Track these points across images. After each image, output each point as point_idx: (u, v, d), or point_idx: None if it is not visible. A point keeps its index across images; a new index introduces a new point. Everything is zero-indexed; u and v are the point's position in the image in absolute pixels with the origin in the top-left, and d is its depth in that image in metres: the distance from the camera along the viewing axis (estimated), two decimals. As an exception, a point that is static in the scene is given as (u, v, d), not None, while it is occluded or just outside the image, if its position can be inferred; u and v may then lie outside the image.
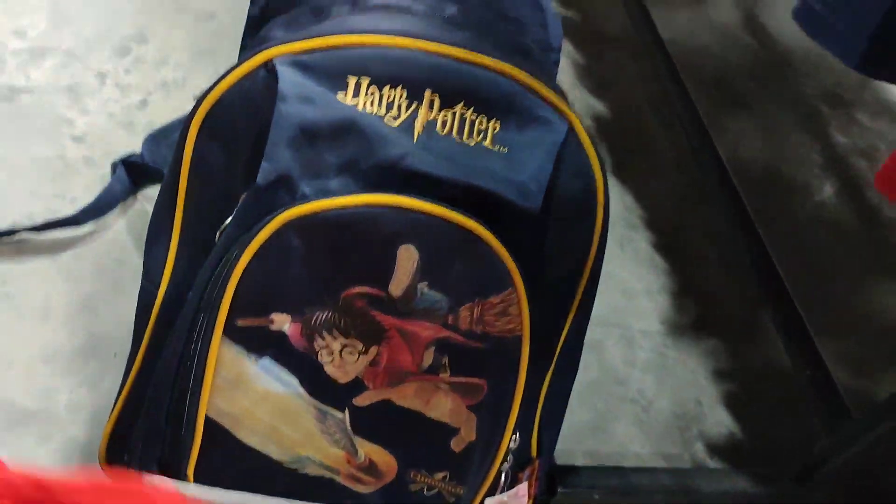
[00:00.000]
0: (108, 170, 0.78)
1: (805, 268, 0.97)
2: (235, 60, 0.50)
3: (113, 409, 0.56)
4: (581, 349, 0.60)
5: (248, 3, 0.61)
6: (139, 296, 0.55)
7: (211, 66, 0.93)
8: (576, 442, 0.75)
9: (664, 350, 0.86)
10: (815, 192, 1.11)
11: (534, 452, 0.60)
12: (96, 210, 0.74)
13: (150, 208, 0.76)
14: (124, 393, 0.55)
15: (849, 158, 1.20)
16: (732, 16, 1.36)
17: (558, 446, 0.64)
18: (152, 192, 0.79)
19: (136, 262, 0.72)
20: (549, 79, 0.53)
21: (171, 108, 0.87)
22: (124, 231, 0.75)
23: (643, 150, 1.09)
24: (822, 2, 0.51)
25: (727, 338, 0.90)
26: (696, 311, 0.91)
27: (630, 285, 0.91)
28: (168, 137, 0.79)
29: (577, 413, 0.77)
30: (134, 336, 0.55)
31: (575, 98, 1.12)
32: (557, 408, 0.60)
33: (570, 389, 0.61)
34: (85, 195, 0.75)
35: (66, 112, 0.82)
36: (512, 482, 0.57)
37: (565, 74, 1.15)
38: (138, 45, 0.92)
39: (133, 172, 0.77)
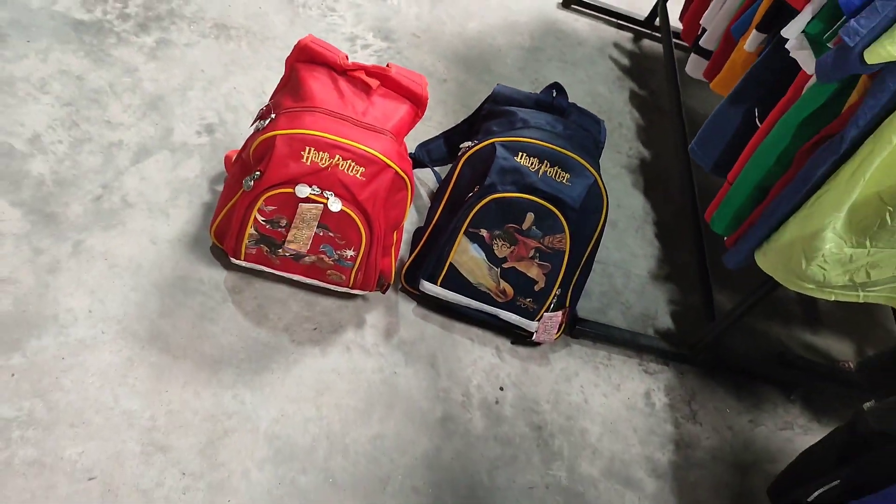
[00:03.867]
0: (396, 158, 1.71)
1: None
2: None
3: (410, 254, 1.49)
4: (592, 266, 1.49)
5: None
6: (427, 214, 1.48)
7: (442, 110, 1.84)
8: (589, 316, 1.64)
9: (644, 284, 1.74)
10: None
11: (567, 304, 1.50)
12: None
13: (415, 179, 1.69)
14: (419, 246, 1.48)
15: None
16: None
17: (581, 315, 1.53)
18: (418, 172, 1.71)
19: (419, 200, 1.65)
20: (594, 161, 1.42)
21: (423, 131, 1.79)
22: (404, 188, 1.68)
23: (663, 181, 1.95)
24: (698, 148, 1.38)
25: (680, 284, 1.76)
26: (668, 269, 1.78)
27: (635, 251, 1.79)
28: (427, 146, 1.71)
29: (593, 302, 1.66)
30: (423, 230, 1.48)
31: (632, 147, 1.99)
32: (580, 286, 1.50)
33: (586, 279, 1.51)
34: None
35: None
36: (555, 310, 1.48)
37: (631, 132, 2.02)
38: (409, 94, 1.85)
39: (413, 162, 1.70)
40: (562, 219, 1.37)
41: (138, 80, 1.63)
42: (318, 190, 1.24)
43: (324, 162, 1.23)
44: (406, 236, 1.58)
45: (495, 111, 1.50)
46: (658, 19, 2.19)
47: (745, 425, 1.59)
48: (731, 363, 1.65)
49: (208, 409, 1.29)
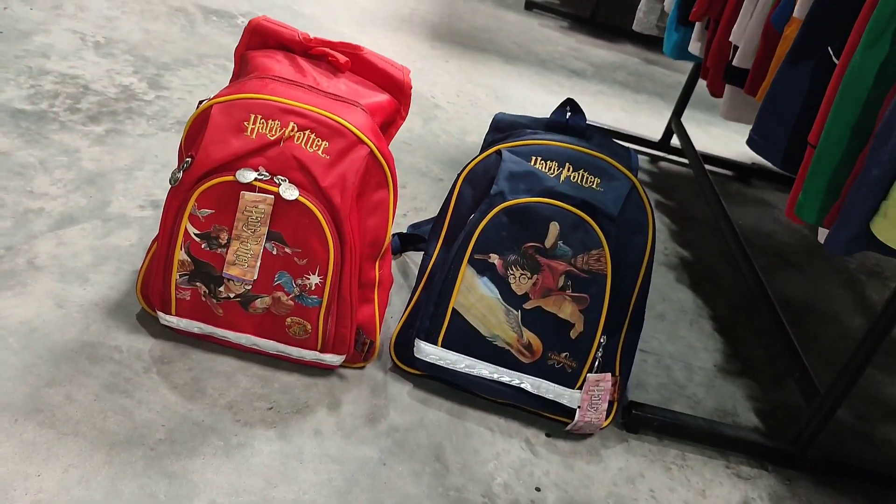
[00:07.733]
0: (385, 243, 1.40)
1: (821, 355, 1.43)
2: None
3: (405, 309, 1.12)
4: (644, 313, 1.11)
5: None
6: (422, 258, 1.13)
7: (437, 205, 1.57)
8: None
9: (712, 378, 1.33)
10: (845, 322, 1.58)
11: (616, 372, 1.10)
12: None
13: (407, 259, 1.37)
14: (413, 300, 1.12)
15: (876, 305, 1.66)
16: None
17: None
18: (412, 256, 1.39)
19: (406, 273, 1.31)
20: (627, 162, 1.11)
21: (418, 216, 1.50)
22: (398, 266, 1.35)
23: (710, 279, 1.61)
24: (758, 136, 1.08)
25: (758, 380, 1.35)
26: (739, 364, 1.38)
27: (693, 343, 1.40)
28: (419, 227, 1.41)
29: (650, 394, 1.24)
30: (417, 279, 1.13)
31: (668, 248, 1.68)
32: (631, 348, 1.11)
33: (638, 339, 1.12)
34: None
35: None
36: (601, 371, 1.07)
37: (663, 234, 1.72)
38: (402, 188, 1.59)
39: (402, 240, 1.38)
40: (596, 228, 1.03)
41: (76, 160, 1.38)
42: (266, 174, 0.93)
43: (273, 133, 0.93)
44: (392, 309, 1.22)
45: (498, 138, 1.22)
46: (676, 136, 2.00)
47: (895, 545, 1.10)
48: (854, 466, 1.19)
49: (98, 502, 0.85)
